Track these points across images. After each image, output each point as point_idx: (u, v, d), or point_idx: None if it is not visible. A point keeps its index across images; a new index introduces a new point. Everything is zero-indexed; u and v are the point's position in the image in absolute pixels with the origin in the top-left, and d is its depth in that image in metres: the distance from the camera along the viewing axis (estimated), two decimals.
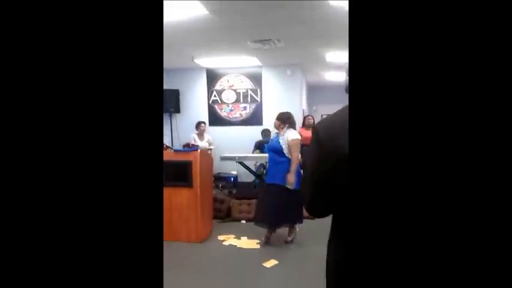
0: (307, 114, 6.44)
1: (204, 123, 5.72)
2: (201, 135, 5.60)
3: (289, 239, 3.62)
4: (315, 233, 3.94)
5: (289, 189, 3.31)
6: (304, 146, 5.36)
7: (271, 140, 3.77)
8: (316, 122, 5.75)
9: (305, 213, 4.60)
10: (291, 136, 3.35)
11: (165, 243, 3.97)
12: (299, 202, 3.21)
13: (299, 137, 3.42)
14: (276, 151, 3.40)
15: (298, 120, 6.15)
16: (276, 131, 3.64)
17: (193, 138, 5.45)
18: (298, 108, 6.18)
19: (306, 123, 5.54)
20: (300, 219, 3.54)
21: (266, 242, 3.57)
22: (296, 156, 3.33)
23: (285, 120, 3.44)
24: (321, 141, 0.83)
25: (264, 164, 5.63)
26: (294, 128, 3.51)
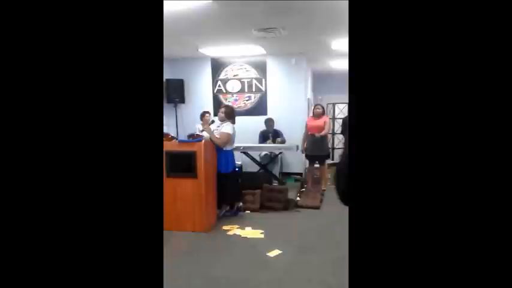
0: (315, 103, 6.34)
1: (208, 113, 5.70)
2: None
3: (226, 213, 4.21)
4: (318, 224, 3.95)
5: (227, 175, 3.97)
6: (311, 135, 5.32)
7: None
8: (324, 111, 5.64)
9: (307, 203, 4.59)
10: (225, 129, 3.94)
11: (170, 233, 3.96)
12: (235, 185, 4.15)
13: (231, 133, 3.95)
14: None
15: (303, 110, 6.12)
16: (220, 122, 4.09)
17: (198, 128, 5.43)
18: (303, 98, 6.13)
19: (315, 112, 5.43)
20: (237, 198, 4.28)
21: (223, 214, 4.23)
22: (220, 142, 3.88)
23: (229, 114, 4.04)
24: None
25: (269, 153, 5.63)
26: (233, 121, 4.08)
